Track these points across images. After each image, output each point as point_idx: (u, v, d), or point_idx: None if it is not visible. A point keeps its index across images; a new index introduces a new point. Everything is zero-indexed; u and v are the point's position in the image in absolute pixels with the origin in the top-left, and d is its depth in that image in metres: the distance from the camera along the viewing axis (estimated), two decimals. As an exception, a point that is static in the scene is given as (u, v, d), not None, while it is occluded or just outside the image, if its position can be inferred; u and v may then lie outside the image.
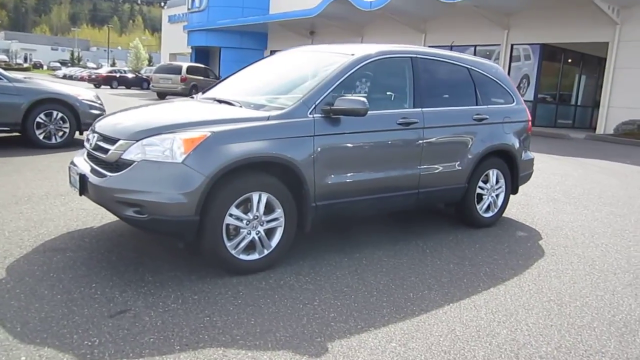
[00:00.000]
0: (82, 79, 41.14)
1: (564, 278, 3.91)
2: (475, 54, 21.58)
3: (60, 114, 7.98)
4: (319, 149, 3.67)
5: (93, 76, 34.84)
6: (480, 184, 4.97)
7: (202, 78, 25.13)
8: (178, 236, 3.33)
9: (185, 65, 24.58)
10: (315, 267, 3.75)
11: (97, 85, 33.56)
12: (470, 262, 4.12)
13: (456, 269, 3.95)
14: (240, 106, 3.85)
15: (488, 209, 5.11)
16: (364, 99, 3.68)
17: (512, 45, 20.40)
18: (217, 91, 4.55)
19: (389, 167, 4.18)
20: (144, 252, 3.82)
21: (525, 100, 16.05)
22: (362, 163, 4.00)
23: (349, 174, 3.90)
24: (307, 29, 28.59)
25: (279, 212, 3.57)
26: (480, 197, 5.01)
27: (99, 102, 8.65)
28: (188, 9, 36.30)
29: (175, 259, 3.70)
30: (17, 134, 7.97)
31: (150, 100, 22.56)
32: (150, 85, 24.47)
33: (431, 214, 5.50)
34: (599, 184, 7.96)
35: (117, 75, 34.47)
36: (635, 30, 16.48)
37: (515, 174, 5.26)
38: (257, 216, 3.49)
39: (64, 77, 45.35)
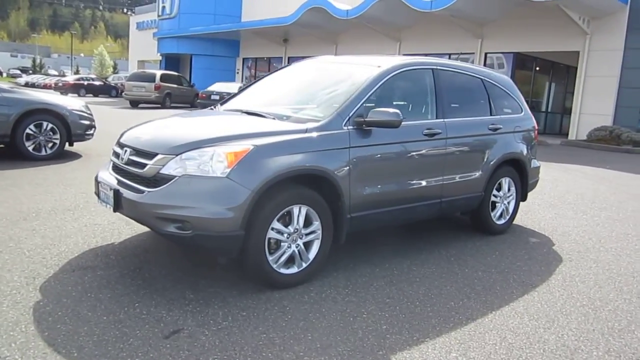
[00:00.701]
0: (46, 86, 39.94)
1: (589, 283, 4.01)
2: (449, 62, 22.02)
3: (50, 125, 7.74)
4: (354, 161, 3.68)
5: (60, 84, 33.83)
6: (494, 192, 5.07)
7: (175, 86, 24.84)
8: (222, 252, 3.27)
9: (159, 73, 24.22)
10: (350, 279, 3.75)
11: (64, 93, 32.66)
12: (496, 269, 4.19)
13: (485, 276, 4.01)
14: (273, 118, 3.83)
15: (501, 216, 5.21)
16: (398, 111, 3.71)
17: (485, 54, 20.89)
18: (241, 102, 4.51)
19: (416, 177, 4.22)
20: (175, 268, 3.74)
21: None
22: (391, 174, 4.03)
23: (380, 185, 3.92)
24: (281, 37, 28.61)
25: (316, 225, 3.56)
26: (494, 205, 5.11)
27: (88, 112, 8.43)
28: (158, 15, 35.83)
29: (209, 274, 3.63)
30: (1, 145, 7.68)
31: (124, 108, 22.14)
32: (123, 93, 24.00)
33: (440, 223, 5.56)
34: (589, 189, 8.21)
35: (85, 82, 33.60)
36: (604, 40, 17.13)
37: (525, 181, 5.39)
38: (297, 229, 3.46)
39: (26, 84, 43.95)
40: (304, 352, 2.71)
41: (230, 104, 4.55)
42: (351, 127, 3.72)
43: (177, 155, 3.26)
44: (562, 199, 7.24)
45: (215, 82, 24.57)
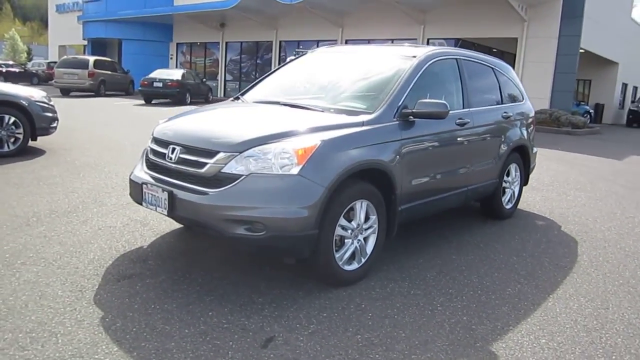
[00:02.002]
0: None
1: (613, 262, 4.25)
2: (392, 48, 22.42)
3: (12, 118, 7.07)
4: (403, 153, 3.65)
5: (-28, 71, 30.93)
6: (505, 177, 5.22)
7: (110, 72, 23.51)
8: (294, 253, 3.14)
9: (92, 59, 22.77)
10: (403, 272, 3.73)
11: (-22, 82, 29.90)
12: (527, 253, 4.33)
13: (521, 261, 4.14)
14: (322, 110, 3.70)
15: (509, 201, 5.39)
16: (445, 102, 3.71)
17: (428, 40, 21.39)
18: (268, 93, 4.32)
19: (450, 167, 4.27)
20: (225, 270, 3.55)
21: None
22: (432, 164, 4.04)
23: (423, 176, 3.92)
24: (218, 21, 27.77)
25: (373, 219, 3.50)
26: (504, 191, 5.27)
27: (50, 103, 7.78)
28: (82, -2, 33.61)
29: (263, 275, 3.49)
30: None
31: (56, 97, 20.64)
32: (54, 81, 22.35)
33: (447, 211, 5.66)
34: (557, 171, 8.68)
35: (4, 69, 30.96)
36: (541, 27, 18.07)
37: (527, 166, 5.60)
38: (359, 225, 3.40)
39: None
40: (408, 350, 2.67)
41: (256, 95, 4.35)
42: (399, 118, 3.68)
43: (240, 152, 3.07)
44: (540, 181, 7.60)
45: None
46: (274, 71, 4.78)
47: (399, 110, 3.67)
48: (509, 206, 5.38)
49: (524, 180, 5.64)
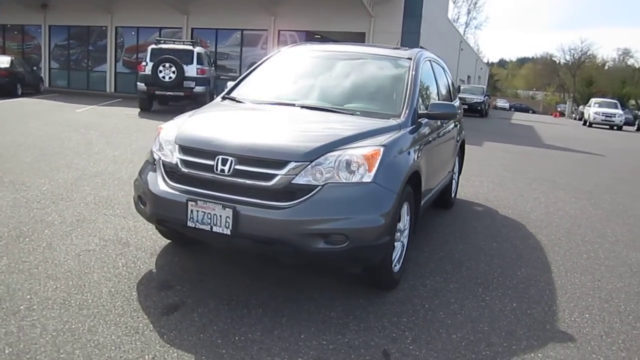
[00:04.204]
0: None
1: (586, 251, 4.96)
2: (242, 38, 22.22)
3: None
4: (422, 152, 3.77)
5: None
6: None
7: None
8: (369, 262, 3.06)
9: None
10: (423, 268, 3.88)
11: None
12: (501, 238, 4.81)
13: (503, 246, 4.58)
14: (352, 114, 3.63)
15: (454, 190, 5.88)
16: (455, 104, 3.93)
17: (279, 31, 21.63)
18: (274, 95, 4.02)
19: (440, 163, 4.52)
20: (264, 286, 3.30)
21: None
22: (432, 161, 4.23)
23: (430, 173, 4.09)
24: (39, 2, 24.38)
25: (407, 219, 3.59)
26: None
27: None
28: None
29: (308, 286, 3.35)
30: None
31: None
32: None
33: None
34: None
35: None
36: (386, 23, 19.51)
37: (463, 157, 6.15)
38: (404, 227, 3.45)
39: None
40: (507, 342, 2.84)
41: (255, 96, 4.01)
42: (417, 120, 3.79)
43: (310, 162, 2.89)
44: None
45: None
46: (255, 69, 4.46)
47: (417, 112, 3.78)
48: (453, 195, 5.87)
49: (460, 171, 6.18)
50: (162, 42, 15.02)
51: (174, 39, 17.70)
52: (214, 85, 16.24)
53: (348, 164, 2.94)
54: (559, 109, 50.01)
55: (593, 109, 27.92)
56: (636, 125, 28.62)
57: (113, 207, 4.83)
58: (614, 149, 15.21)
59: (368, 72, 4.26)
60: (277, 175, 2.86)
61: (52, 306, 2.85)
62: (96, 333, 2.61)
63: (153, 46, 14.47)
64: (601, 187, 8.02)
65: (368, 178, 2.95)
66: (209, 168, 2.98)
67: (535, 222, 5.46)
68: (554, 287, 3.70)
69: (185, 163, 3.08)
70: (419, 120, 3.80)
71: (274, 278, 3.44)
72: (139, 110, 14.27)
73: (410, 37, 19.21)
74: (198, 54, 14.41)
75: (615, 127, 27.13)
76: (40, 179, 5.68)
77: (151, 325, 2.72)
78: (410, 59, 4.22)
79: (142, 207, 3.30)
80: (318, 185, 2.86)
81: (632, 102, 44.58)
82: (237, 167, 2.92)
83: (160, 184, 3.13)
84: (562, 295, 3.56)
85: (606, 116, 27.10)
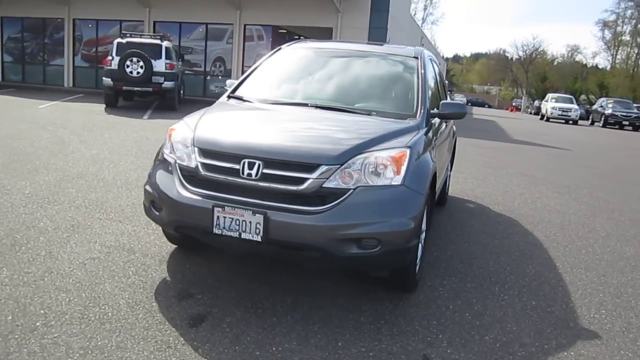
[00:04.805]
0: None
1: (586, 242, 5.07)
2: (207, 32, 21.76)
3: None
4: (435, 151, 3.77)
5: None
6: (446, 166, 5.72)
7: None
8: (399, 264, 3.03)
9: None
10: (435, 267, 3.88)
11: None
12: (500, 235, 4.87)
13: (504, 243, 4.65)
14: (368, 114, 3.57)
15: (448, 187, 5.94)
16: (464, 103, 3.93)
17: (245, 26, 21.28)
18: (283, 95, 3.92)
19: (444, 162, 4.53)
20: (286, 291, 3.21)
21: None
22: (441, 160, 4.24)
23: (439, 173, 4.09)
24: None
25: (425, 220, 3.57)
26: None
27: None
28: None
29: (328, 289, 3.29)
30: None
31: None
32: None
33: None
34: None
35: None
36: (353, 18, 19.49)
37: (454, 153, 6.21)
38: (425, 228, 3.43)
39: None
40: (538, 342, 2.86)
41: (262, 95, 3.90)
42: (429, 119, 3.77)
43: (341, 165, 2.82)
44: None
45: None
46: (256, 67, 4.31)
47: (429, 112, 3.76)
48: (447, 191, 5.92)
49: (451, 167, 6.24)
50: (128, 35, 14.52)
51: (140, 33, 17.16)
52: (182, 80, 15.85)
53: (377, 166, 2.89)
54: (514, 104, 51.55)
55: (550, 104, 28.87)
56: (590, 120, 29.76)
57: (105, 210, 4.61)
58: (577, 143, 15.76)
59: (376, 71, 4.21)
60: (308, 179, 2.78)
61: (71, 321, 2.68)
62: (126, 349, 2.47)
63: (119, 40, 13.95)
64: (577, 181, 8.27)
65: (397, 181, 2.90)
66: (234, 172, 2.86)
67: (527, 218, 5.57)
68: (564, 283, 3.77)
69: (207, 167, 2.95)
70: (431, 119, 3.79)
71: (292, 283, 3.36)
72: (104, 106, 13.74)
73: (377, 33, 19.29)
74: (166, 48, 13.99)
75: (571, 122, 28.15)
76: (20, 181, 5.37)
77: (181, 339, 2.60)
78: (417, 57, 4.20)
79: (157, 213, 3.15)
80: (349, 189, 2.79)
81: (584, 97, 46.33)
82: (265, 171, 2.81)
83: (179, 189, 2.99)
84: (574, 292, 3.63)
85: (563, 111, 28.08)
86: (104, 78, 13.60)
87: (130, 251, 3.69)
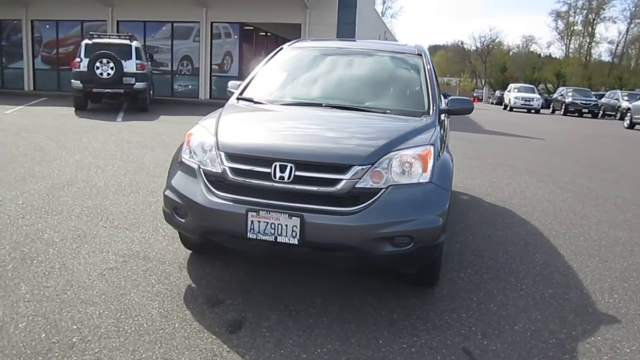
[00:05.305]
0: None
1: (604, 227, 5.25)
2: (172, 31, 21.38)
3: None
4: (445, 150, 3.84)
5: None
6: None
7: None
8: (429, 260, 3.08)
9: None
10: (447, 259, 3.97)
11: None
12: (500, 225, 5.01)
13: (506, 234, 4.78)
14: (384, 112, 3.61)
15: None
16: (470, 99, 4.02)
17: (212, 23, 21.01)
18: (294, 94, 3.91)
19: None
20: (315, 293, 3.22)
21: (230, 76, 18.41)
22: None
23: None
24: (-62, -9, 22.05)
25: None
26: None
27: None
28: None
29: (354, 288, 3.32)
30: None
31: None
32: None
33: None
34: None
35: None
36: (321, 14, 19.50)
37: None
38: (444, 222, 3.50)
39: None
40: (575, 330, 2.97)
41: (270, 96, 3.87)
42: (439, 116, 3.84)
43: (372, 164, 2.85)
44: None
45: None
46: (261, 68, 4.29)
47: (439, 108, 3.83)
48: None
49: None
50: (96, 36, 14.11)
51: (109, 34, 16.71)
52: (151, 81, 15.54)
53: (405, 165, 2.93)
54: (475, 95, 52.62)
55: (513, 94, 29.64)
56: (551, 108, 30.71)
57: (108, 218, 4.51)
58: (546, 132, 16.24)
59: (383, 68, 4.25)
60: (342, 179, 2.79)
61: (108, 335, 2.62)
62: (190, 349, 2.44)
63: (87, 41, 13.55)
64: (557, 169, 8.55)
65: (425, 178, 2.95)
66: (265, 176, 2.85)
67: (521, 208, 5.73)
68: (573, 270, 3.91)
69: (235, 171, 2.92)
70: (441, 116, 3.86)
71: (315, 283, 3.37)
72: (74, 109, 13.34)
73: (346, 28, 19.37)
74: (136, 48, 13.68)
75: (533, 111, 28.98)
76: (9, 191, 5.19)
77: (225, 346, 2.58)
78: (420, 55, 4.27)
79: (180, 220, 3.10)
80: (381, 188, 2.83)
81: (542, 86, 47.74)
82: (298, 173, 2.81)
83: (206, 195, 2.94)
84: (584, 278, 3.77)
85: (525, 100, 28.88)
86: (72, 80, 13.18)
87: (146, 259, 3.63)
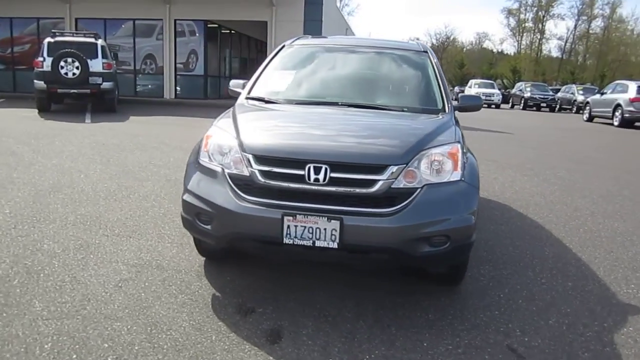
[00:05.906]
0: None
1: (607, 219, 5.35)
2: (134, 29, 20.76)
3: None
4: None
5: None
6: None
7: None
8: (462, 259, 3.06)
9: None
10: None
11: None
12: (505, 220, 5.06)
13: (512, 229, 4.83)
14: (402, 110, 3.56)
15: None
16: (478, 96, 4.03)
17: (175, 21, 20.51)
18: (309, 94, 3.83)
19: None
20: (347, 296, 3.16)
21: (196, 75, 18.37)
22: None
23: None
24: None
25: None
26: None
27: None
28: None
29: (382, 289, 3.27)
30: None
31: None
32: None
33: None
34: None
35: None
36: (287, 11, 19.34)
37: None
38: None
39: None
40: (612, 323, 3.01)
41: (281, 95, 3.76)
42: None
43: (406, 164, 2.80)
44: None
45: None
46: (266, 67, 4.14)
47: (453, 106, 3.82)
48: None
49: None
50: (59, 34, 13.51)
51: (72, 32, 16.04)
52: (117, 80, 15.03)
53: (436, 163, 2.89)
54: (435, 91, 53.52)
55: (474, 90, 30.29)
56: (510, 103, 31.56)
57: (106, 225, 4.30)
58: (513, 126, 16.66)
59: (392, 66, 4.20)
60: (378, 180, 2.73)
61: (144, 352, 2.47)
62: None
63: (49, 39, 12.96)
64: (536, 163, 8.75)
65: (456, 176, 2.93)
66: (299, 178, 2.75)
67: (515, 202, 5.82)
68: (584, 262, 3.98)
69: (265, 174, 2.81)
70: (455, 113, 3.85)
71: (340, 288, 3.30)
72: (37, 111, 12.74)
73: (312, 25, 19.26)
74: (102, 47, 13.19)
75: (493, 106, 29.71)
76: (-9, 200, 4.88)
77: (271, 358, 2.48)
78: (426, 52, 4.25)
79: (205, 226, 2.95)
80: (417, 188, 2.78)
81: (499, 81, 49.07)
82: (333, 175, 2.73)
83: (235, 199, 2.82)
84: (597, 269, 3.84)
85: (486, 96, 29.51)
86: (35, 81, 12.57)
87: (160, 268, 3.46)
